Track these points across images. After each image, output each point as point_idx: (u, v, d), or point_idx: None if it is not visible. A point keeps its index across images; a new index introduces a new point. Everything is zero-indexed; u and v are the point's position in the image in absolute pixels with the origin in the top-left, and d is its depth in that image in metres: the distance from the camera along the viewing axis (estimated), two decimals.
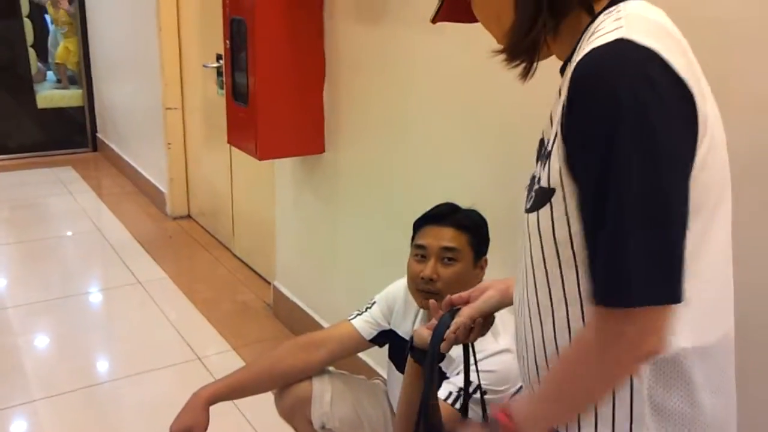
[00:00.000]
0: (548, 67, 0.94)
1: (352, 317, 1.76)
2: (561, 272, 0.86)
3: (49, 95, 5.86)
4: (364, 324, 1.72)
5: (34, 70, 5.79)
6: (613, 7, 0.83)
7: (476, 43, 1.80)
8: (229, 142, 2.61)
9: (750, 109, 1.25)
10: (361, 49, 2.30)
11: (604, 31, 0.79)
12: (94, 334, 3.02)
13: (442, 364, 1.61)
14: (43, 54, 6.10)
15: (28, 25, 5.69)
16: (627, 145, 0.73)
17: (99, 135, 5.86)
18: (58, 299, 3.25)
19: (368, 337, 1.72)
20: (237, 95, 2.49)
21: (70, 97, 5.90)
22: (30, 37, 5.73)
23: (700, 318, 0.85)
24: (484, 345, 1.46)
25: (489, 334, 1.27)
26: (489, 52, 0.95)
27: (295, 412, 1.74)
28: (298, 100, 2.46)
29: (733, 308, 0.93)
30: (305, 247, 2.87)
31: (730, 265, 0.91)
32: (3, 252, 3.88)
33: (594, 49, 0.77)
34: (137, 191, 4.93)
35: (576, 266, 0.84)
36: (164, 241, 4.09)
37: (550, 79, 0.93)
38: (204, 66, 3.66)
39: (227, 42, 2.47)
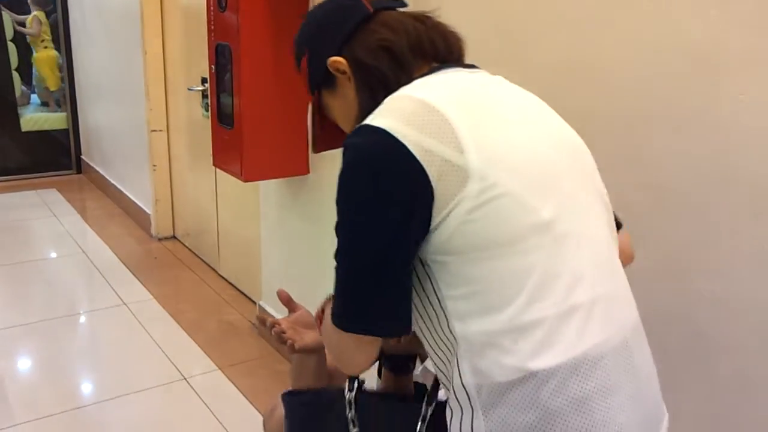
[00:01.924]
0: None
1: None
2: None
3: (34, 118, 5.87)
4: None
5: (18, 94, 5.80)
6: (398, 91, 0.99)
7: None
8: (214, 164, 2.65)
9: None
10: None
11: (369, 117, 0.96)
12: (78, 356, 3.02)
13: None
14: (27, 77, 6.12)
15: (12, 48, 5.72)
16: (339, 196, 0.94)
17: (83, 157, 5.87)
18: (42, 321, 3.25)
19: None
20: (222, 118, 2.53)
21: (55, 119, 5.92)
22: (14, 60, 5.75)
23: (549, 334, 0.89)
24: None
25: None
26: None
27: None
28: (283, 123, 2.50)
29: (601, 325, 0.93)
30: (291, 267, 2.90)
31: (582, 287, 0.93)
32: None
33: (352, 132, 0.96)
34: (122, 213, 4.94)
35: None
36: (149, 262, 4.10)
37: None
38: (189, 89, 3.71)
39: (212, 67, 2.52)
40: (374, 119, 0.93)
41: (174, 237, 4.47)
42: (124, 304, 3.44)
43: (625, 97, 1.45)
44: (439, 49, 1.05)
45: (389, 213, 0.90)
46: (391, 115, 0.93)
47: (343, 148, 0.94)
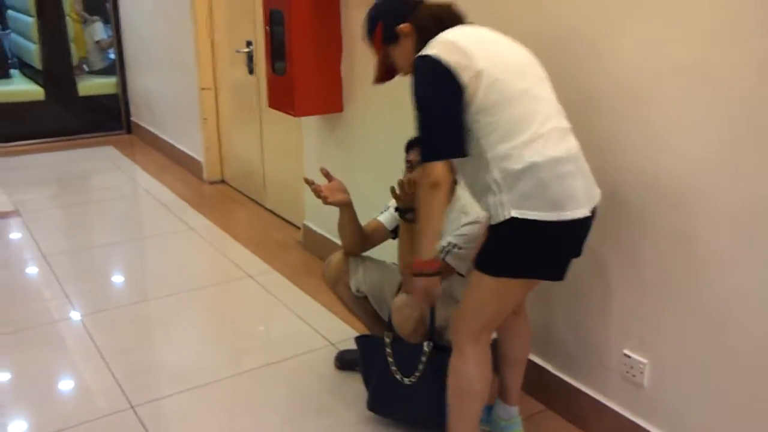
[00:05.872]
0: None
1: (378, 215, 2.50)
2: None
3: (89, 84, 6.60)
4: (389, 217, 2.46)
5: (75, 62, 6.53)
6: (436, 37, 1.81)
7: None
8: (270, 106, 3.36)
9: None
10: None
11: (423, 50, 1.78)
12: (159, 263, 3.79)
13: None
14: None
15: (69, 21, 6.43)
16: (417, 89, 1.77)
17: (133, 118, 6.59)
18: (123, 241, 4.03)
19: (390, 227, 2.45)
20: (276, 69, 3.23)
21: (106, 85, 6.65)
22: (72, 32, 6.47)
23: (535, 146, 1.70)
24: (461, 221, 2.22)
25: (461, 213, 2.17)
26: None
27: (338, 280, 2.49)
28: (323, 70, 3.20)
29: (566, 139, 1.77)
30: None
31: (550, 121, 1.75)
32: (67, 212, 4.64)
33: (416, 57, 1.81)
34: (173, 164, 5.65)
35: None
36: (205, 199, 4.84)
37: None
38: (237, 51, 4.39)
39: (267, 28, 3.22)
40: (426, 51, 1.77)
41: (223, 181, 5.19)
42: (191, 228, 4.19)
43: None
44: (460, 18, 1.91)
45: (443, 88, 1.73)
46: (435, 48, 1.76)
47: (414, 64, 1.79)
